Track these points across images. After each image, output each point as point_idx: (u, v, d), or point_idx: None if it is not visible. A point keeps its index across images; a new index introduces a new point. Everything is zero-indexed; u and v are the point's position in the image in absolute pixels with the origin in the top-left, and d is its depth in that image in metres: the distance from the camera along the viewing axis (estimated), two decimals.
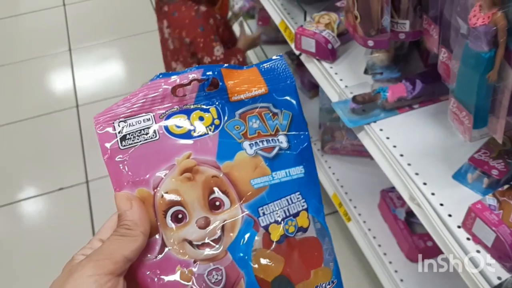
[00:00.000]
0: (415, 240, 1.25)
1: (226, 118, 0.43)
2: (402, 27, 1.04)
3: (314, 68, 1.30)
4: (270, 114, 0.44)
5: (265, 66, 0.45)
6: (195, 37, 1.54)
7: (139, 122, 0.41)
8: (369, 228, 1.36)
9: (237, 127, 0.43)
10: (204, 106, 0.43)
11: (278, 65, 0.45)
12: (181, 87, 0.42)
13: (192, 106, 0.43)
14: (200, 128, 0.42)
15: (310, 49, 1.28)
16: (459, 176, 0.97)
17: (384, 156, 1.05)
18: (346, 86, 1.20)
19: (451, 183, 0.96)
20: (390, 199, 1.35)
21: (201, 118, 0.42)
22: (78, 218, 1.76)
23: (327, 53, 1.26)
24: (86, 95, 2.21)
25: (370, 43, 1.07)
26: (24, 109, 2.17)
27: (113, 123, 0.42)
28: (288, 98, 0.44)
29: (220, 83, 0.43)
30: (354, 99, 1.12)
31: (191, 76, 0.42)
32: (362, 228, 1.37)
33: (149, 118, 0.42)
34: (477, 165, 0.94)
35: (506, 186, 0.89)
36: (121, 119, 0.42)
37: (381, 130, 1.07)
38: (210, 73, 0.43)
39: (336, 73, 1.24)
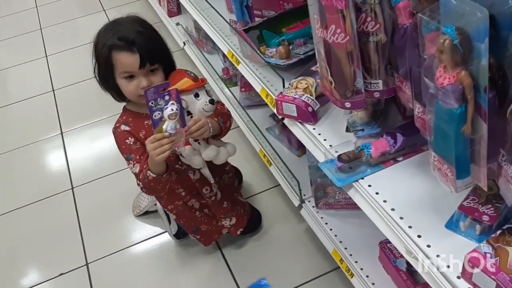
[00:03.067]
0: None
1: None
2: (375, 86, 1.09)
3: (298, 130, 1.34)
4: None
5: None
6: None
7: None
8: (373, 283, 1.35)
9: None
10: None
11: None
12: None
13: None
14: None
15: (291, 113, 1.32)
16: (452, 225, 0.98)
17: (376, 211, 1.06)
18: (330, 146, 1.23)
19: (445, 233, 0.97)
20: (389, 250, 1.34)
21: None
22: None
23: (308, 116, 1.30)
24: (81, 177, 2.23)
25: (348, 104, 1.11)
26: (20, 196, 2.18)
27: None
28: None
29: None
30: (340, 158, 1.15)
31: None
32: (365, 283, 1.36)
33: None
34: (467, 212, 0.96)
35: (499, 232, 0.90)
36: None
37: (369, 186, 1.09)
38: None
39: (319, 134, 1.28)
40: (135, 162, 1.44)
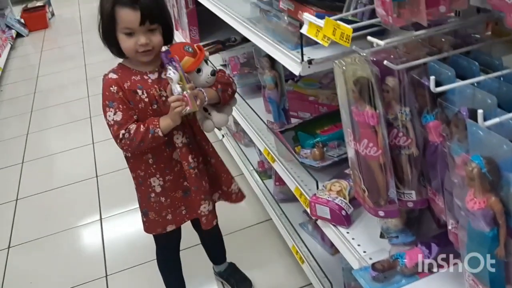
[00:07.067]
0: None
1: None
2: (408, 196, 1.11)
3: (332, 233, 1.35)
4: None
5: None
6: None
7: None
8: None
9: None
10: None
11: None
12: None
13: None
14: None
15: (325, 215, 1.34)
16: None
17: None
18: (364, 252, 1.23)
19: None
20: None
21: None
22: None
23: (342, 219, 1.31)
24: (116, 264, 2.26)
25: (381, 213, 1.13)
26: (56, 282, 2.22)
27: None
28: None
29: None
30: (374, 267, 1.15)
31: None
32: None
33: None
34: None
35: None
36: None
37: None
38: None
39: (353, 238, 1.29)
40: (116, 110, 1.47)
